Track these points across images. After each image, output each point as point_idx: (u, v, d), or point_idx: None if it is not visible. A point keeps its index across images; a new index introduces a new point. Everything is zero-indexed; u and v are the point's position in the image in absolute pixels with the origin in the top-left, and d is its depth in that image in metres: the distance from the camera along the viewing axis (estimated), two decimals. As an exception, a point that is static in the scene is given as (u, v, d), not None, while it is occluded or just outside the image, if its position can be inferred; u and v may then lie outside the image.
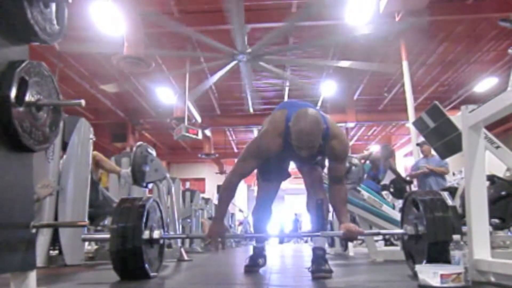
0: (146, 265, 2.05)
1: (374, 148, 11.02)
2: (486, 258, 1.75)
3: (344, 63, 7.18)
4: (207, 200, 9.45)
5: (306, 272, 2.30)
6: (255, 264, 2.65)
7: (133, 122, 11.87)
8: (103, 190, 3.98)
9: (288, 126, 2.10)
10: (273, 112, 2.39)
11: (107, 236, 2.06)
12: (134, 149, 4.00)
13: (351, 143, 13.77)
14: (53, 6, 1.34)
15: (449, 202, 2.19)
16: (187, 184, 13.93)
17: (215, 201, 9.82)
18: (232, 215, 13.00)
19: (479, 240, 1.80)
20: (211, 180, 16.91)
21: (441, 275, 1.59)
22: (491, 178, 3.40)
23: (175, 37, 7.45)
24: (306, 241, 11.64)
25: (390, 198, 6.08)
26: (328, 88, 10.07)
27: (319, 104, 11.36)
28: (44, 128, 1.30)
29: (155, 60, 7.22)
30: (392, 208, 4.47)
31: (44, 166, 3.08)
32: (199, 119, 10.52)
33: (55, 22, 1.35)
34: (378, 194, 5.01)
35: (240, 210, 13.66)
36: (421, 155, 6.11)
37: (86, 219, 3.17)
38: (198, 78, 8.72)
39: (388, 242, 4.95)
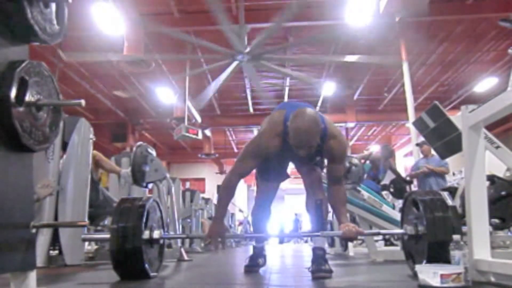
0: (146, 265, 2.05)
1: (374, 148, 11.03)
2: (486, 258, 1.75)
3: (350, 57, 7.14)
4: (207, 200, 9.45)
5: (306, 272, 2.30)
6: (255, 264, 2.65)
7: (133, 122, 11.87)
8: (103, 190, 3.98)
9: (287, 126, 2.10)
10: (272, 112, 2.40)
11: (107, 236, 2.06)
12: (134, 149, 3.99)
13: (351, 143, 13.79)
14: (53, 6, 1.34)
15: (449, 202, 2.19)
16: (187, 184, 13.93)
17: (215, 201, 9.81)
18: (232, 215, 13.00)
19: (479, 240, 1.80)
20: (211, 180, 16.91)
21: (441, 275, 1.59)
22: (491, 178, 3.40)
23: (175, 38, 7.44)
24: (306, 241, 11.64)
25: (390, 198, 6.07)
26: (328, 88, 10.07)
27: (319, 104, 11.37)
28: (44, 128, 1.30)
29: (155, 60, 7.23)
30: (392, 208, 4.47)
31: (44, 166, 3.08)
32: (199, 119, 10.51)
33: (55, 22, 1.35)
34: (378, 194, 5.01)
35: (240, 210, 13.66)
36: (421, 155, 6.11)
37: (86, 219, 3.17)
38: (198, 78, 8.73)
39: (388, 242, 4.95)
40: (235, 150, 15.70)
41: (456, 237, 1.93)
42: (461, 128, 1.98)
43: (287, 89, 10.65)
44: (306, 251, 5.96)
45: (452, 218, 2.03)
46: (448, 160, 5.10)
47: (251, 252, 2.76)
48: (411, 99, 6.76)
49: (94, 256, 3.58)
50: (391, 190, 5.77)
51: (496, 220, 3.28)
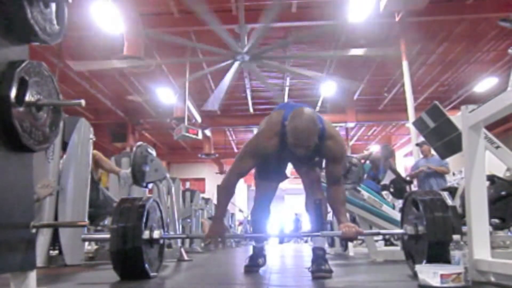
0: (146, 265, 2.05)
1: (374, 148, 11.03)
2: (486, 258, 1.75)
3: (356, 51, 7.09)
4: (207, 200, 9.45)
5: (306, 272, 2.30)
6: (255, 264, 2.65)
7: (133, 122, 11.87)
8: (104, 190, 3.98)
9: (285, 125, 2.11)
10: (271, 112, 2.41)
11: (107, 236, 2.06)
12: (134, 149, 3.99)
13: (351, 143, 13.79)
14: (53, 6, 1.34)
15: (449, 202, 2.19)
16: (187, 184, 13.94)
17: (215, 201, 9.81)
18: (232, 215, 13.00)
19: (479, 240, 1.80)
20: (211, 180, 16.91)
21: (441, 275, 1.59)
22: (491, 178, 3.40)
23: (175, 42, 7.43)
24: (306, 241, 11.63)
25: (390, 198, 6.07)
26: (328, 88, 10.07)
27: (319, 104, 11.37)
28: (44, 128, 1.30)
29: (155, 60, 7.23)
30: (392, 208, 4.47)
31: (44, 166, 3.08)
32: (199, 119, 10.52)
33: (55, 22, 1.35)
34: (378, 194, 5.01)
35: (240, 210, 13.65)
36: (421, 155, 6.12)
37: (86, 219, 3.17)
38: (198, 78, 8.72)
39: (388, 242, 4.95)
40: (235, 150, 15.70)
41: (456, 237, 1.93)
42: (461, 128, 1.98)
43: (287, 89, 10.65)
44: (306, 251, 5.96)
45: (452, 218, 2.03)
46: (448, 160, 5.11)
47: (251, 252, 2.76)
48: (411, 99, 6.76)
49: (94, 256, 3.58)
50: (391, 190, 5.77)
51: (496, 220, 3.28)
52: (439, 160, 5.48)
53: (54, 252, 3.09)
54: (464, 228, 1.96)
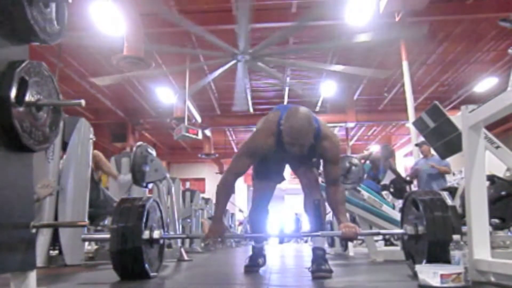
0: (146, 265, 2.05)
1: (374, 148, 11.03)
2: (486, 258, 1.75)
3: (345, 68, 7.15)
4: (207, 200, 9.45)
5: (306, 272, 2.30)
6: (255, 264, 2.66)
7: (133, 122, 11.86)
8: (104, 190, 3.98)
9: (281, 125, 2.13)
10: (268, 113, 2.42)
11: (107, 236, 2.07)
12: (134, 149, 3.99)
13: (351, 143, 13.77)
14: (53, 6, 1.34)
15: (449, 202, 2.19)
16: (187, 184, 13.94)
17: (215, 201, 9.81)
18: (232, 215, 12.99)
19: (479, 240, 1.80)
20: (211, 180, 16.91)
21: (441, 275, 1.59)
22: (491, 178, 3.40)
23: (175, 37, 7.45)
24: (306, 241, 11.64)
25: (390, 198, 6.08)
26: (328, 88, 10.07)
27: (319, 104, 11.36)
28: (44, 128, 1.30)
29: (155, 60, 7.24)
30: (392, 208, 4.48)
31: (44, 166, 3.08)
32: (199, 119, 10.52)
33: (55, 22, 1.35)
34: (378, 194, 5.02)
35: (240, 210, 13.65)
36: (421, 155, 6.11)
37: (86, 219, 3.17)
38: (198, 78, 8.71)
39: (388, 242, 4.95)
40: (235, 150, 15.68)
41: (456, 237, 1.93)
42: (461, 128, 1.98)
43: (287, 89, 10.65)
44: (306, 251, 5.96)
45: (452, 218, 2.03)
46: (448, 160, 5.10)
47: (250, 252, 2.76)
48: (411, 99, 6.76)
49: (94, 256, 3.58)
50: (391, 190, 5.77)
51: (496, 220, 3.28)
52: (439, 160, 5.47)
53: (54, 252, 3.09)
54: (464, 228, 1.96)
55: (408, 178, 6.12)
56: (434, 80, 10.06)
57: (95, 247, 3.67)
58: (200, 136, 9.27)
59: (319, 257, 2.33)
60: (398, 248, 3.53)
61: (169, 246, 4.20)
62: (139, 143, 4.10)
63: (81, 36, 6.32)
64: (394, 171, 6.04)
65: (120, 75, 6.85)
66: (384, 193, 5.94)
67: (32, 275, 1.28)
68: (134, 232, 2.02)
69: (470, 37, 8.00)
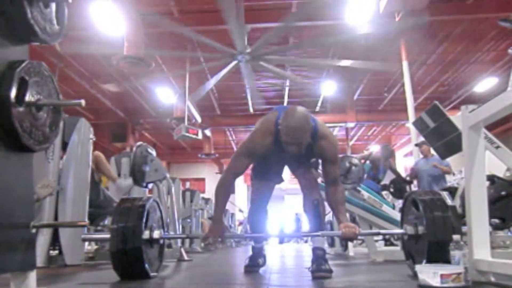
0: (146, 265, 2.05)
1: (374, 148, 11.03)
2: (486, 258, 1.75)
3: (345, 62, 7.15)
4: (207, 200, 9.45)
5: (306, 272, 2.30)
6: (255, 264, 2.66)
7: (133, 122, 11.87)
8: (104, 190, 3.98)
9: (278, 124, 2.14)
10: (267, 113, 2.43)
11: (107, 236, 2.07)
12: (134, 149, 4.00)
13: (351, 143, 13.77)
14: (53, 6, 1.34)
15: (449, 202, 2.19)
16: (187, 184, 13.92)
17: (214, 201, 9.80)
18: (232, 215, 12.99)
19: (479, 240, 1.80)
20: (211, 180, 16.91)
21: (441, 275, 1.59)
22: (491, 178, 3.40)
23: (175, 37, 7.45)
24: (306, 241, 11.64)
25: (390, 198, 6.08)
26: (328, 88, 10.06)
27: (319, 104, 11.36)
28: (44, 128, 1.30)
29: (155, 60, 7.23)
30: (392, 208, 4.47)
31: (44, 166, 3.08)
32: (199, 119, 10.51)
33: (55, 22, 1.35)
34: (378, 194, 5.01)
35: (240, 210, 13.65)
36: (421, 155, 6.11)
37: (86, 219, 3.17)
38: (198, 78, 8.72)
39: (388, 242, 4.95)
40: (235, 150, 15.67)
41: (456, 237, 1.94)
42: (461, 128, 1.98)
43: (287, 89, 10.65)
44: (306, 251, 5.96)
45: (452, 218, 2.03)
46: (448, 160, 5.10)
47: (250, 252, 2.76)
48: (411, 99, 6.76)
49: (94, 256, 3.58)
50: (391, 190, 5.77)
51: (496, 220, 3.28)
52: (439, 160, 5.47)
53: (54, 252, 3.09)
54: (464, 228, 1.96)
55: (408, 178, 6.12)
56: (434, 80, 10.06)
57: (95, 247, 3.68)
58: (200, 136, 9.27)
59: (319, 257, 2.33)
60: (398, 248, 3.53)
61: (169, 246, 4.20)
62: (139, 143, 4.10)
63: (81, 41, 6.34)
64: (394, 171, 6.04)
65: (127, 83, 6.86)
66: (384, 193, 5.94)
67: (32, 275, 1.29)
68: (134, 232, 2.02)
69: (470, 37, 8.00)
